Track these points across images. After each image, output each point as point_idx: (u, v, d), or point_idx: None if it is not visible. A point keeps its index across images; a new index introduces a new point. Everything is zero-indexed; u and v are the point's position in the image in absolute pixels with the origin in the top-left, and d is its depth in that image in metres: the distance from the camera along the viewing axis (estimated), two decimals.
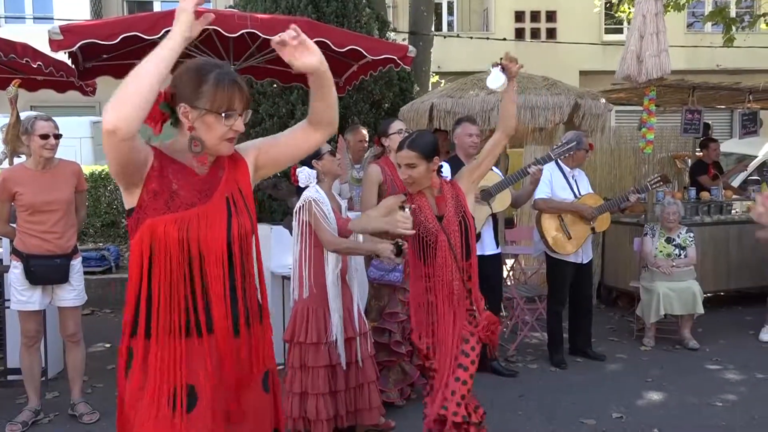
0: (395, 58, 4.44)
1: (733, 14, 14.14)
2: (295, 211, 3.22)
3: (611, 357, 4.97)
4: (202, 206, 1.70)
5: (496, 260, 4.48)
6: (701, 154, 7.40)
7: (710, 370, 4.71)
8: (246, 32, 4.08)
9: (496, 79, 2.69)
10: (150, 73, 1.55)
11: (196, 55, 4.83)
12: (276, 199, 6.68)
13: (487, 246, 4.35)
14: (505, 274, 6.26)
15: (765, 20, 12.74)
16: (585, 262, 4.85)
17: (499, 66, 2.70)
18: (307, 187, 3.27)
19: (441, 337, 2.66)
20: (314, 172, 3.24)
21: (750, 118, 6.70)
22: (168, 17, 3.76)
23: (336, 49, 4.26)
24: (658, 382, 4.42)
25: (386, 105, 7.46)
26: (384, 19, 7.82)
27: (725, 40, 12.09)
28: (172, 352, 1.65)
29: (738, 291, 6.55)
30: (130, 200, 1.70)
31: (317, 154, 3.26)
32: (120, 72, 5.17)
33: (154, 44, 4.64)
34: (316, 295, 3.17)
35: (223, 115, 1.67)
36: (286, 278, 4.51)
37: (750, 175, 8.63)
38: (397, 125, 3.96)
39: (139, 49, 4.57)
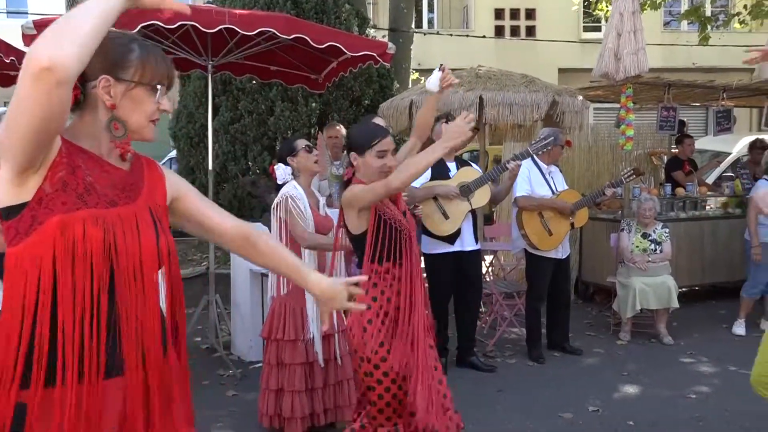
0: (374, 54, 4.43)
1: (708, 13, 14.35)
2: (272, 207, 3.21)
3: (588, 351, 5.03)
4: (125, 207, 1.33)
5: (476, 256, 4.51)
6: (677, 150, 7.50)
7: (685, 363, 4.79)
8: (224, 28, 4.05)
9: (433, 82, 2.66)
10: (93, 14, 1.17)
11: (175, 52, 4.82)
12: (255, 197, 6.65)
13: (466, 242, 4.38)
14: (484, 270, 6.32)
15: (739, 19, 12.94)
16: (563, 257, 4.91)
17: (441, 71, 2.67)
18: (285, 183, 3.26)
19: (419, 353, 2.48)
20: (289, 168, 3.24)
21: (724, 115, 6.81)
22: (147, 13, 3.72)
23: (315, 45, 4.25)
24: (633, 376, 4.49)
25: (366, 102, 7.46)
26: (364, 15, 7.82)
27: (701, 38, 12.26)
28: (95, 401, 1.25)
29: (712, 285, 6.66)
30: (13, 192, 1.22)
31: (292, 151, 3.26)
32: None
33: None
34: (293, 291, 3.16)
35: (158, 87, 1.40)
36: (264, 276, 4.50)
37: (724, 171, 8.77)
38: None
39: None
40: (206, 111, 5.10)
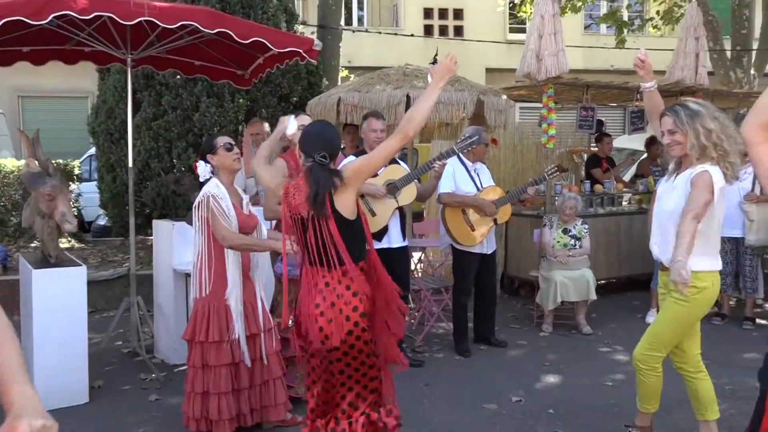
0: (300, 51, 4.40)
1: (625, 18, 15.03)
2: (194, 206, 3.14)
3: (513, 343, 5.18)
4: None
5: (403, 253, 4.56)
6: (596, 149, 7.83)
7: (602, 352, 5.01)
8: (144, 20, 3.92)
9: (291, 126, 3.00)
10: None
11: (91, 44, 4.62)
12: (180, 195, 6.48)
13: (393, 239, 4.42)
14: (413, 266, 6.39)
15: (652, 24, 13.61)
16: (489, 252, 5.02)
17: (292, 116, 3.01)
18: (207, 181, 3.19)
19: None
20: (209, 166, 3.17)
21: (638, 115, 7.15)
22: (55, 2, 3.56)
23: (240, 40, 4.18)
24: (554, 366, 4.66)
25: (294, 99, 7.40)
26: (292, 11, 7.75)
27: (617, 42, 12.81)
28: None
29: (628, 277, 6.99)
30: None
31: (212, 149, 3.20)
32: (4, 59, 4.85)
33: (43, 30, 4.36)
34: (217, 292, 3.10)
35: None
36: (188, 276, 4.39)
37: (637, 171, 9.22)
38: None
39: (27, 35, 4.30)
40: (126, 106, 4.92)
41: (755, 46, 11.95)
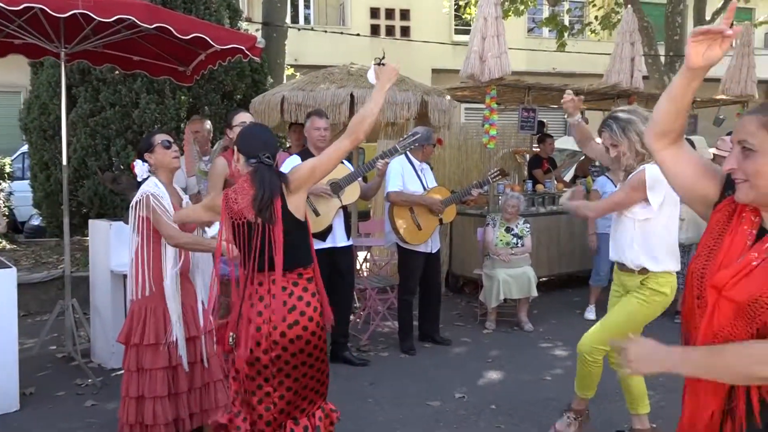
0: (243, 48, 4.33)
1: (567, 22, 15.44)
2: (131, 205, 3.05)
3: (457, 341, 5.25)
4: None
5: (348, 252, 4.55)
6: (538, 149, 8.02)
7: (542, 348, 5.14)
8: (78, 13, 3.79)
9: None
10: None
11: (21, 37, 4.43)
12: (118, 194, 6.29)
13: (338, 238, 4.41)
14: (358, 265, 6.40)
15: (590, 29, 14.02)
16: (434, 251, 5.07)
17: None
18: (145, 180, 3.11)
19: None
20: (146, 165, 3.09)
21: None
22: None
23: (179, 36, 4.08)
24: (497, 362, 4.75)
25: (238, 96, 7.31)
26: (235, 7, 7.63)
27: (558, 45, 13.14)
28: None
29: (568, 274, 7.18)
30: None
31: (149, 146, 3.11)
32: None
33: None
34: (155, 293, 3.02)
35: None
36: (126, 277, 4.27)
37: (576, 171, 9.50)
38: (241, 117, 3.89)
39: None
40: (61, 102, 4.73)
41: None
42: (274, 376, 2.45)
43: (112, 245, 4.43)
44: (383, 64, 2.75)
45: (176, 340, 3.01)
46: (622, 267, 3.22)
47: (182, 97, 6.92)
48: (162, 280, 3.02)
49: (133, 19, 3.88)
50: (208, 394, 3.17)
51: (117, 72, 6.43)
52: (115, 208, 6.66)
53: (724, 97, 8.51)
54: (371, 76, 2.85)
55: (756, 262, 1.38)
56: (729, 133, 6.98)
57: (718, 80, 8.84)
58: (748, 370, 1.33)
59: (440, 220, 4.98)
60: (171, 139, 3.17)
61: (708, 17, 12.55)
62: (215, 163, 3.86)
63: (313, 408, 2.58)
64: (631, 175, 3.06)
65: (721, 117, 8.67)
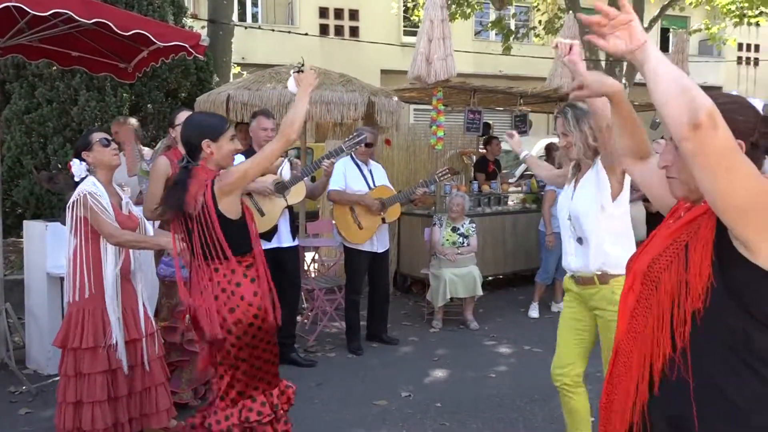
0: (186, 46, 4.25)
1: (513, 26, 15.77)
2: (68, 205, 2.96)
3: (404, 340, 5.29)
4: None
5: (293, 252, 4.53)
6: (485, 150, 8.16)
7: (487, 345, 5.23)
8: (12, 6, 3.64)
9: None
10: None
11: None
12: (55, 193, 6.08)
13: (284, 238, 4.38)
14: (306, 266, 6.37)
15: (535, 33, 14.35)
16: (380, 251, 5.08)
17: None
18: (83, 180, 3.01)
19: None
20: (84, 164, 3.00)
21: (521, 119, 7.53)
22: None
23: (119, 32, 3.97)
24: (443, 361, 4.81)
25: (183, 94, 7.17)
26: (180, 4, 7.48)
27: (504, 48, 13.39)
28: None
29: (513, 273, 7.34)
30: None
31: (87, 145, 3.02)
32: None
33: None
34: (93, 295, 2.93)
35: None
36: (64, 279, 4.13)
37: (525, 170, 9.72)
38: (184, 116, 3.81)
39: None
40: None
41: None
42: (224, 359, 2.60)
43: (48, 247, 4.28)
44: (302, 71, 2.85)
45: (116, 342, 2.93)
46: (582, 279, 2.84)
47: (124, 95, 6.74)
48: (101, 281, 2.94)
49: (70, 13, 3.75)
50: (149, 398, 3.10)
51: (54, 68, 6.21)
52: (52, 208, 6.42)
53: None
54: (291, 85, 2.91)
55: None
56: (663, 137, 7.28)
57: None
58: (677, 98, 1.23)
59: (383, 220, 4.99)
60: (109, 137, 3.09)
61: (645, 24, 13.02)
62: (157, 162, 3.77)
63: (271, 388, 2.72)
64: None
65: (657, 120, 9.01)
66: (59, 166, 6.50)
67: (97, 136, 3.04)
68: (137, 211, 3.27)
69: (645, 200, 6.41)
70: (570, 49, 2.19)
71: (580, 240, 2.87)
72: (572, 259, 2.89)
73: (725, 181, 1.17)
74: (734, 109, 1.35)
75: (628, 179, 2.80)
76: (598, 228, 2.80)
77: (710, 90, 1.26)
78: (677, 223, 1.41)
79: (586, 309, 2.87)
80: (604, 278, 2.77)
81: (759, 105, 1.41)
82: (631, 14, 1.33)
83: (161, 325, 3.57)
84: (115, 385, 2.97)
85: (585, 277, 2.82)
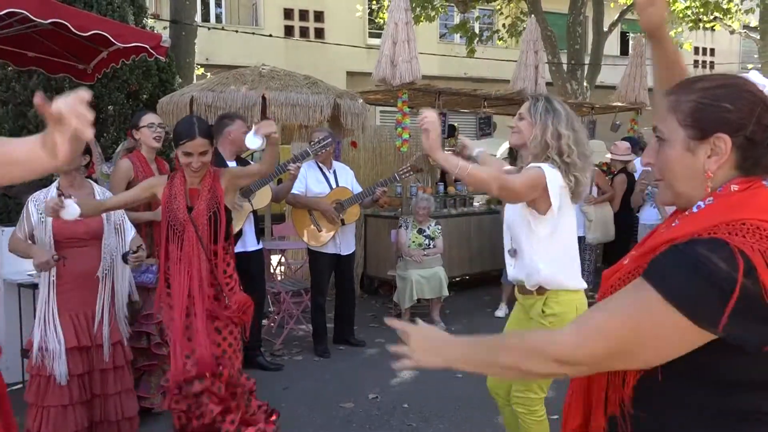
0: (147, 47, 4.18)
1: (477, 30, 15.92)
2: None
3: (371, 342, 5.30)
4: None
5: (258, 256, 4.49)
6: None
7: None
8: None
9: (253, 141, 2.88)
10: None
11: None
12: (11, 198, 5.92)
13: (248, 242, 4.35)
14: (273, 269, 6.32)
15: (499, 36, 14.52)
16: (345, 253, 5.06)
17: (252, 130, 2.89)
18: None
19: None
20: None
21: (485, 121, 7.61)
22: None
23: (77, 32, 3.89)
24: None
25: (144, 96, 7.03)
26: (140, 4, 7.34)
27: (468, 51, 13.51)
28: None
29: (479, 274, 7.40)
30: None
31: None
32: None
33: None
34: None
35: None
36: (22, 286, 4.03)
37: None
38: (148, 118, 3.76)
39: None
40: None
41: (587, 60, 13.19)
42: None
43: (3, 253, 4.16)
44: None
45: (42, 348, 2.88)
46: (522, 288, 2.68)
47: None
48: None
49: (26, 13, 3.66)
50: (113, 406, 3.03)
51: (10, 68, 6.03)
52: (9, 212, 6.24)
53: (620, 104, 9.05)
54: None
55: (626, 260, 1.23)
56: (624, 138, 7.44)
57: (614, 87, 9.40)
58: (518, 366, 1.16)
59: (342, 221, 4.95)
60: None
61: (605, 28, 13.31)
62: (118, 165, 3.70)
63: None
64: (526, 168, 2.57)
65: (617, 123, 9.22)
66: None
67: None
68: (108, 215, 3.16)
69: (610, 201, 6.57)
70: None
71: (513, 251, 2.68)
72: (510, 269, 2.73)
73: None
74: (721, 96, 1.12)
75: (562, 194, 2.50)
76: (529, 242, 2.57)
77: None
78: (644, 246, 1.20)
79: (528, 319, 2.67)
80: (542, 291, 2.57)
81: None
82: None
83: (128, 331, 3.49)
84: (73, 391, 2.90)
85: (523, 287, 2.64)
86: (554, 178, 2.49)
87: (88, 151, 3.13)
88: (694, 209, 1.14)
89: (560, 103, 2.62)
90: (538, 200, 2.51)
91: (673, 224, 1.17)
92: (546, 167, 2.50)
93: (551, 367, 1.11)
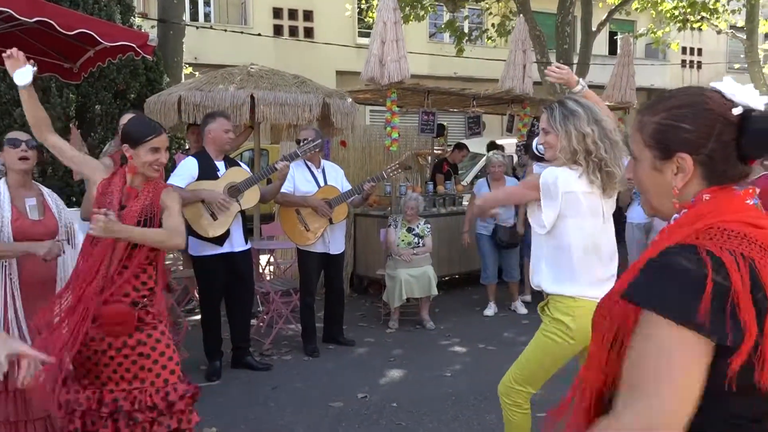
0: (133, 45, 4.16)
1: (466, 29, 15.95)
2: None
3: (360, 341, 5.30)
4: None
5: (246, 256, 4.48)
6: (440, 151, 8.25)
7: (443, 345, 5.28)
8: None
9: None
10: None
11: None
12: None
13: (236, 243, 4.32)
14: (262, 269, 6.31)
15: (487, 35, 14.56)
16: (334, 253, 5.04)
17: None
18: None
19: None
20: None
21: (474, 120, 7.63)
22: None
23: (63, 31, 3.86)
24: (399, 361, 4.83)
25: (132, 95, 7.01)
26: (127, 3, 7.31)
27: (457, 50, 13.53)
28: None
29: (468, 273, 7.41)
30: None
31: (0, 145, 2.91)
32: None
33: None
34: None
35: None
36: None
37: (477, 174, 9.85)
38: (126, 118, 3.74)
39: None
40: None
41: (576, 60, 13.26)
42: None
43: None
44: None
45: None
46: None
47: (70, 96, 6.55)
48: None
49: (11, 11, 3.63)
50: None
51: None
52: None
53: (608, 103, 9.09)
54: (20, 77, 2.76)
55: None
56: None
57: (603, 87, 9.45)
58: None
59: (330, 220, 4.94)
60: (22, 138, 2.94)
61: (594, 28, 13.38)
62: (102, 162, 3.68)
63: None
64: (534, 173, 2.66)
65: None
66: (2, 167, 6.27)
67: (9, 136, 2.92)
68: (62, 214, 3.09)
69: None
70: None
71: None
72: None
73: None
74: (681, 117, 1.15)
75: (569, 199, 2.52)
76: (536, 241, 2.66)
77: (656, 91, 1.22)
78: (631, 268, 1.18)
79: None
80: (546, 293, 2.60)
81: (749, 96, 1.13)
82: None
83: None
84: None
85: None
86: (557, 183, 2.50)
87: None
88: (671, 222, 1.18)
89: (575, 101, 2.58)
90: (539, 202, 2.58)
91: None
92: (554, 171, 2.52)
93: None
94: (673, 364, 1.00)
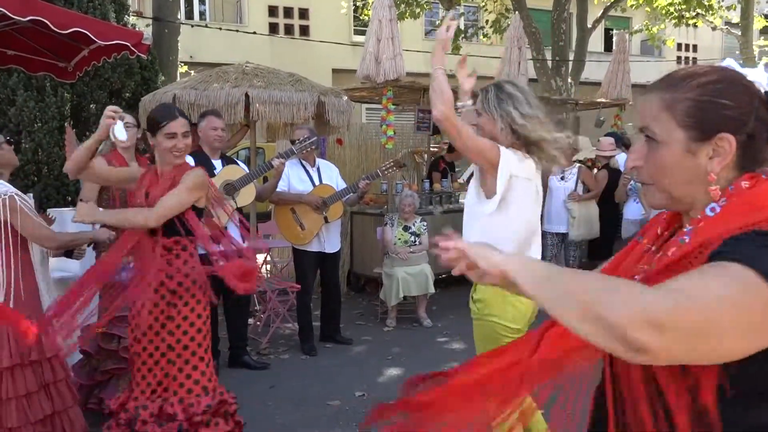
0: (128, 44, 4.14)
1: (462, 26, 15.94)
2: None
3: (358, 340, 5.29)
4: None
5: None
6: (436, 149, 8.24)
7: (440, 342, 5.28)
8: None
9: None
10: None
11: None
12: None
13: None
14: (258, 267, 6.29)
15: (483, 33, 14.55)
16: (330, 251, 5.04)
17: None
18: None
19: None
20: None
21: None
22: None
23: (57, 30, 3.84)
24: (396, 359, 4.83)
25: (127, 94, 6.98)
26: (122, 1, 7.27)
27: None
28: None
29: None
30: None
31: None
32: None
33: None
34: (24, 303, 2.69)
35: None
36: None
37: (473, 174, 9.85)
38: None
39: None
40: None
41: (572, 57, 13.26)
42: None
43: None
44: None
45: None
46: None
47: (65, 95, 6.52)
48: (35, 292, 2.77)
49: (4, 10, 3.61)
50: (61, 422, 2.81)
51: None
52: None
53: (603, 100, 9.11)
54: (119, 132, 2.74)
55: (638, 277, 1.10)
56: (607, 134, 7.49)
57: (598, 84, 9.46)
58: (593, 304, 0.88)
59: (325, 219, 4.93)
60: (2, 138, 2.95)
61: (589, 24, 13.38)
62: (99, 160, 3.66)
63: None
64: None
65: (601, 119, 9.28)
66: None
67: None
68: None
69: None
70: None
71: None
72: None
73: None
74: (721, 92, 1.02)
75: (514, 184, 2.43)
76: (470, 221, 2.55)
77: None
78: (660, 262, 1.06)
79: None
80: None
81: (761, 76, 1.06)
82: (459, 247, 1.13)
83: (98, 332, 3.42)
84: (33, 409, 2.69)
85: None
86: (508, 164, 2.40)
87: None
88: (708, 212, 1.02)
89: (510, 83, 2.54)
90: (487, 179, 2.45)
91: (684, 238, 1.03)
92: (506, 151, 2.41)
93: (634, 322, 0.84)
94: (750, 309, 0.86)
